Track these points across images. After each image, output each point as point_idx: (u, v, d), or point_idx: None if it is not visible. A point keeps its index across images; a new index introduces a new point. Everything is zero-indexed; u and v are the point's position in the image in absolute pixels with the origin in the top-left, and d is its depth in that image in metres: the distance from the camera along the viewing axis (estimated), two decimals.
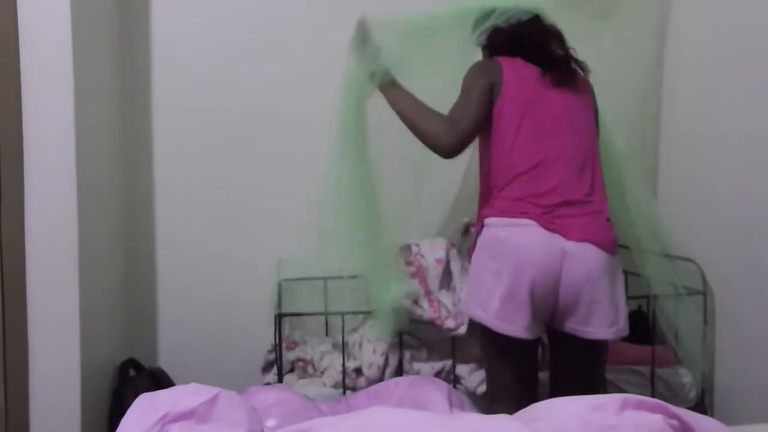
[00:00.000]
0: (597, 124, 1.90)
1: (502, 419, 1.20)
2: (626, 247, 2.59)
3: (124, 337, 2.56)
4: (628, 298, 2.49)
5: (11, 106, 2.00)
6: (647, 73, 2.54)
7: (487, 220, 1.78)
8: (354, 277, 2.57)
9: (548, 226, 1.71)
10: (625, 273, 2.56)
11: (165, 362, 2.59)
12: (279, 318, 2.15)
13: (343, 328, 2.20)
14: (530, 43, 1.85)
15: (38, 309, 2.05)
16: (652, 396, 2.11)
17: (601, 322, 1.72)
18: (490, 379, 1.86)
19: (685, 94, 2.35)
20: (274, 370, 2.32)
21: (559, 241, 1.70)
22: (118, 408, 2.28)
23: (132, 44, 2.55)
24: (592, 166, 1.79)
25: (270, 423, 1.64)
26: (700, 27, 2.28)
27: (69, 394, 2.07)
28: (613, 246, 1.76)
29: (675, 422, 1.14)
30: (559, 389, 1.80)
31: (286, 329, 2.44)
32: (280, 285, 2.45)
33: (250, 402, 1.52)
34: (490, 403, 1.85)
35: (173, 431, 1.19)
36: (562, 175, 1.75)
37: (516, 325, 1.71)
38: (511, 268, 1.71)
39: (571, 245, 1.70)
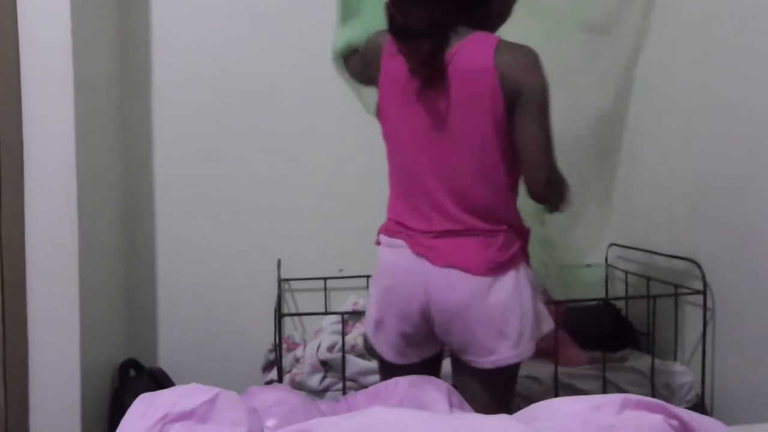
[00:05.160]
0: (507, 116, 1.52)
1: (501, 419, 1.20)
2: (633, 248, 2.60)
3: (124, 337, 2.56)
4: (628, 297, 2.52)
5: (11, 106, 2.00)
6: (637, 69, 2.55)
7: (380, 237, 1.69)
8: (354, 277, 2.59)
9: (416, 248, 1.57)
10: (625, 273, 2.58)
11: (165, 362, 2.60)
12: (279, 318, 2.15)
13: (343, 328, 2.20)
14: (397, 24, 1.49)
15: (38, 309, 2.05)
16: (652, 396, 2.11)
17: (476, 351, 1.56)
18: None
19: (683, 93, 2.35)
20: (275, 369, 2.32)
21: (425, 267, 1.55)
22: (118, 408, 2.28)
23: (132, 44, 2.55)
24: (472, 179, 1.55)
25: (270, 423, 1.63)
26: (696, 23, 2.29)
27: (69, 394, 2.07)
28: (491, 267, 1.53)
29: (675, 422, 1.14)
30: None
31: (286, 329, 2.44)
32: (280, 285, 2.45)
33: (250, 402, 1.52)
34: None
35: (173, 431, 1.19)
36: (434, 200, 1.57)
37: (385, 347, 1.66)
38: (381, 291, 1.64)
39: (435, 271, 1.54)
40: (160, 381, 2.39)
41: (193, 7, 2.57)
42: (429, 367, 1.67)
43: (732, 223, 2.13)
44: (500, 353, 1.55)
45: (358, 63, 1.73)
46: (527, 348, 1.57)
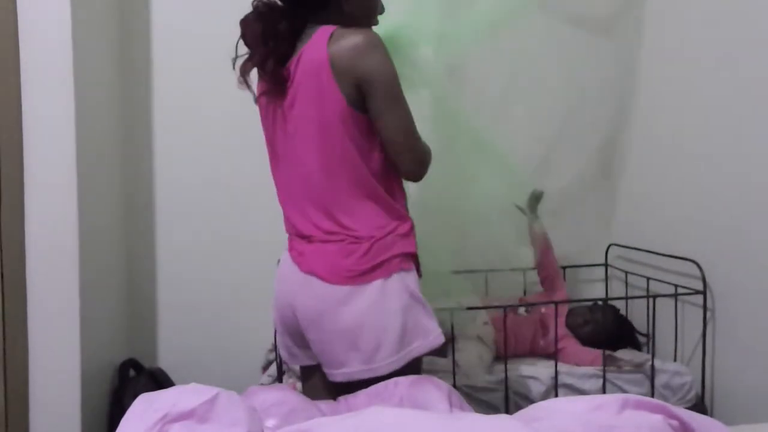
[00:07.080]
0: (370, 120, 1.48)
1: (502, 419, 1.20)
2: (632, 248, 2.59)
3: (124, 337, 2.56)
4: (628, 298, 2.52)
5: (11, 106, 2.00)
6: (633, 71, 2.55)
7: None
8: None
9: (292, 254, 1.58)
10: (625, 273, 2.58)
11: (165, 362, 2.59)
12: None
13: None
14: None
15: (38, 309, 2.05)
16: (652, 396, 2.12)
17: (330, 362, 1.51)
18: None
19: (682, 93, 2.35)
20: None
21: (294, 273, 1.55)
22: (118, 408, 2.28)
23: (132, 44, 2.55)
24: (329, 180, 1.49)
25: (270, 423, 1.63)
26: (688, 21, 2.29)
27: (69, 394, 2.07)
28: (348, 276, 1.47)
29: (675, 422, 1.14)
30: None
31: None
32: None
33: (250, 402, 1.52)
34: None
35: (173, 431, 1.19)
36: (302, 206, 1.55)
37: (283, 349, 1.68)
38: (274, 295, 1.65)
39: (300, 277, 1.53)
40: (160, 381, 2.39)
41: (194, 7, 2.57)
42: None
43: (732, 223, 2.13)
44: (351, 366, 1.47)
45: None
46: (387, 363, 1.46)
